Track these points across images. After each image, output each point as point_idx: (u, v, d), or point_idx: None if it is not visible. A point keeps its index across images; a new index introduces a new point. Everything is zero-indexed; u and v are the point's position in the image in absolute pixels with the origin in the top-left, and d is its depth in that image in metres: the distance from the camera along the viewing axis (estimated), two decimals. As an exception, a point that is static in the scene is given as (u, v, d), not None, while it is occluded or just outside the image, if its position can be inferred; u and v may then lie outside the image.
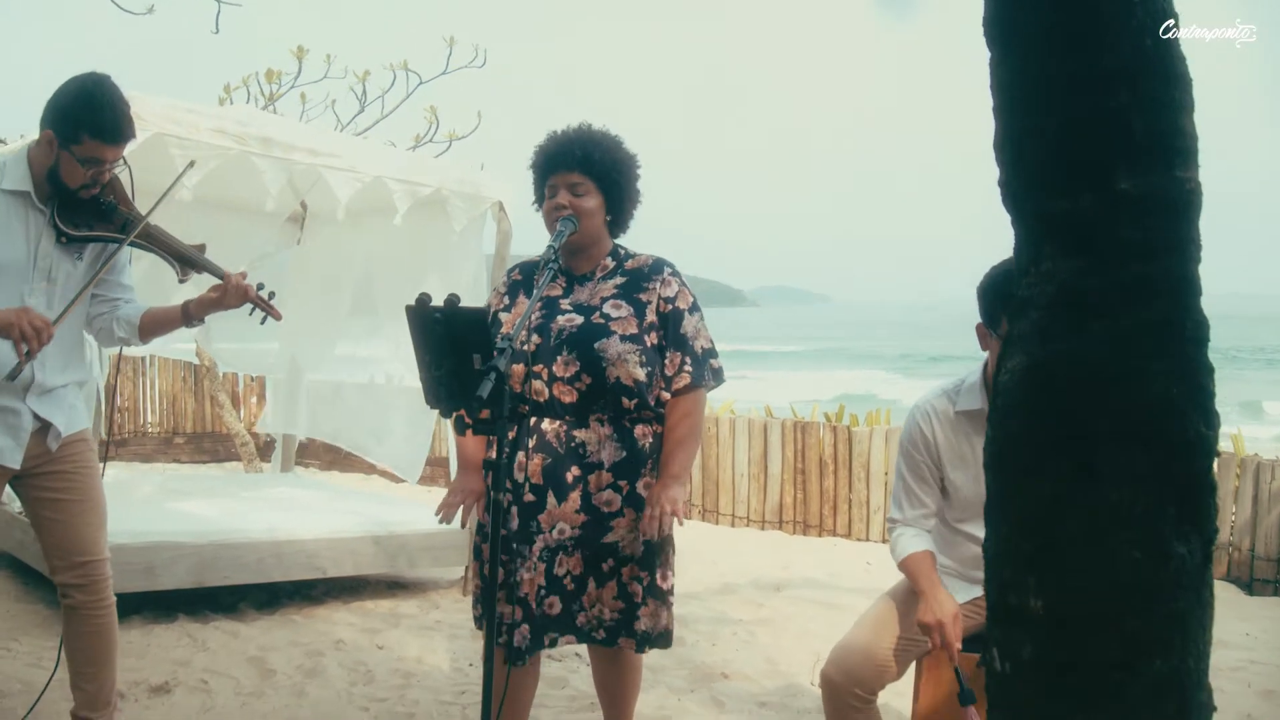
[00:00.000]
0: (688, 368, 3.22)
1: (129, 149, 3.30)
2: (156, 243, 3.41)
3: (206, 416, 12.39)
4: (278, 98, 10.30)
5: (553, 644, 3.19)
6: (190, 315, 3.38)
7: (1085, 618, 1.77)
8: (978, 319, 3.09)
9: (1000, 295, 2.94)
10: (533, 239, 4.02)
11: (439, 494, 6.66)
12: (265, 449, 10.02)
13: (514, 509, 3.14)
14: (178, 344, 10.49)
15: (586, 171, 3.21)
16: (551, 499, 3.14)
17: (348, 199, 5.50)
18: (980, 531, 3.18)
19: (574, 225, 3.16)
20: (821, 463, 8.80)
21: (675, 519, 3.11)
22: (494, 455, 2.68)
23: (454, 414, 2.81)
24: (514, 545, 3.14)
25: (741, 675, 4.86)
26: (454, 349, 2.66)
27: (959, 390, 3.22)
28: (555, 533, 3.14)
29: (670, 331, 3.23)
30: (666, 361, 3.22)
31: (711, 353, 3.30)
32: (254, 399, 12.40)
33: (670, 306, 3.24)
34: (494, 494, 2.66)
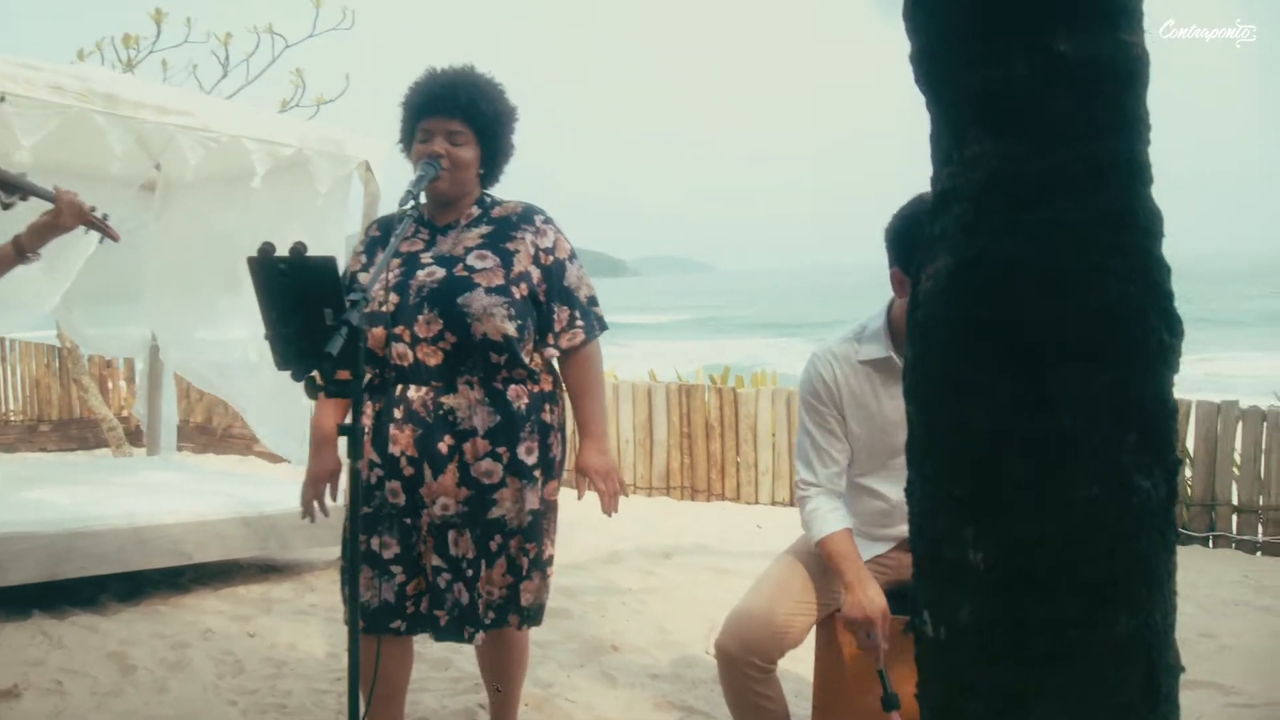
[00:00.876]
0: (579, 323, 3.06)
1: None
2: None
3: (73, 403, 11.84)
4: (136, 64, 9.83)
5: (470, 638, 2.99)
6: (24, 247, 3.07)
7: (1035, 570, 1.50)
8: (884, 270, 2.89)
9: (915, 234, 2.72)
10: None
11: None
12: (136, 434, 9.57)
13: (397, 484, 2.94)
14: (39, 330, 9.98)
15: (469, 121, 2.98)
16: (428, 472, 2.93)
17: (198, 161, 5.16)
18: (883, 486, 3.07)
19: (435, 169, 2.93)
20: (708, 426, 8.69)
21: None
22: (351, 420, 2.46)
23: (306, 376, 2.56)
24: (406, 521, 2.95)
25: (633, 647, 4.70)
26: (303, 304, 2.42)
27: (860, 337, 3.03)
28: (439, 508, 2.93)
29: (554, 285, 3.04)
30: (554, 318, 3.03)
31: (594, 300, 3.14)
32: (124, 383, 11.90)
33: (551, 259, 3.04)
34: (351, 460, 2.45)
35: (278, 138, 5.46)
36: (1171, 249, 1.54)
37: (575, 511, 7.04)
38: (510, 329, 2.92)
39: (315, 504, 3.07)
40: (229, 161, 5.54)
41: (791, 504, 8.22)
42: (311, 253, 2.41)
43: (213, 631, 4.79)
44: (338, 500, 3.10)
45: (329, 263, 2.43)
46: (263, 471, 8.94)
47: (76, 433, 11.93)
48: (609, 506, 3.08)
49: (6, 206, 3.13)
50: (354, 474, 2.45)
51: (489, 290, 2.91)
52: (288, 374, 2.48)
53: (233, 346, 6.86)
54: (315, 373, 2.51)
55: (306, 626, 4.90)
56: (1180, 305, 1.53)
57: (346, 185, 5.95)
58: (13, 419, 11.86)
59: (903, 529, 3.05)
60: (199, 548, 5.36)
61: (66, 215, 3.02)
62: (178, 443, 10.70)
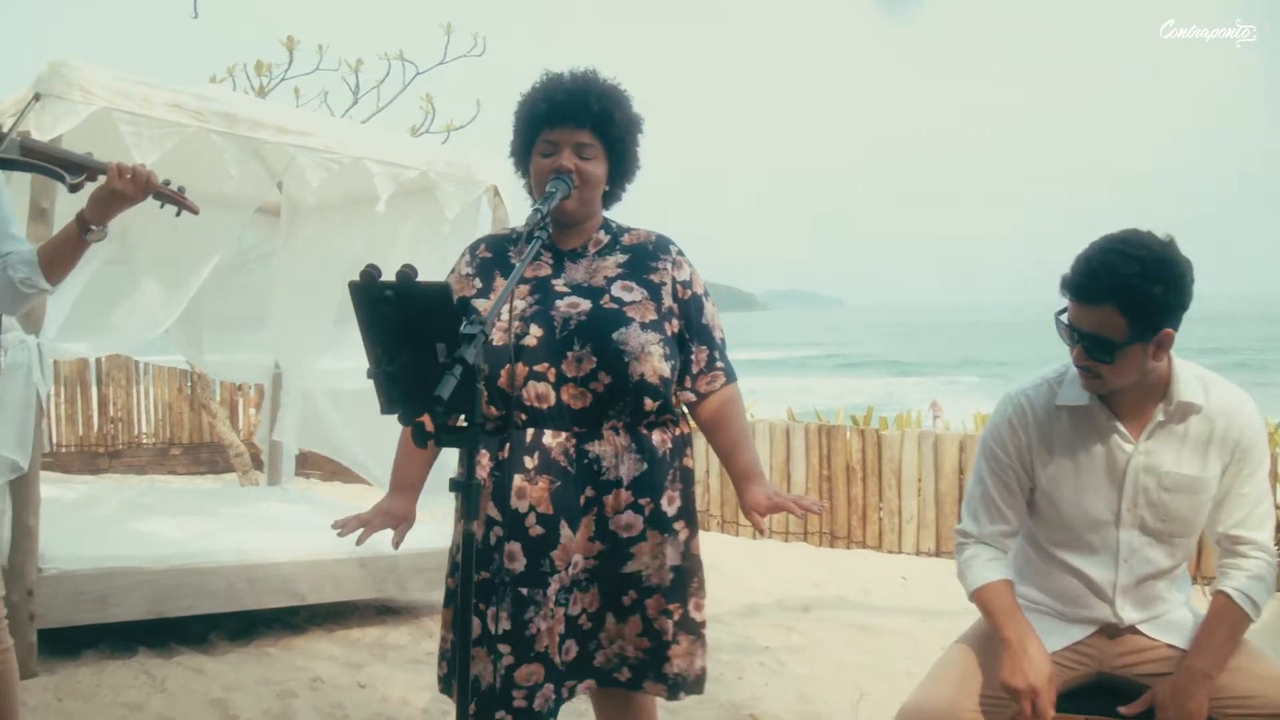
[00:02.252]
0: (719, 364, 2.71)
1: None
2: (35, 154, 2.79)
3: (203, 426, 11.88)
4: (268, 91, 9.78)
5: (570, 694, 2.60)
6: (86, 221, 2.75)
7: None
8: (1019, 310, 2.46)
9: (1182, 280, 2.38)
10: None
11: (444, 509, 6.08)
12: (262, 460, 9.47)
13: (517, 545, 2.55)
14: (172, 354, 9.96)
15: (600, 132, 2.62)
16: (565, 530, 2.54)
17: (320, 183, 4.91)
18: (1081, 561, 2.58)
19: (568, 186, 2.57)
20: (849, 469, 8.20)
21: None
22: (465, 474, 2.10)
23: (416, 420, 2.20)
24: (523, 591, 2.54)
25: (772, 716, 4.27)
26: (412, 337, 2.07)
27: (1062, 379, 2.60)
28: (571, 569, 2.55)
29: (692, 322, 2.67)
30: (692, 358, 2.67)
31: (725, 343, 2.77)
32: (253, 409, 11.90)
33: (689, 293, 2.68)
34: (464, 524, 2.08)
35: (402, 160, 5.19)
36: None
37: (711, 560, 6.63)
38: (666, 369, 2.57)
39: (358, 529, 2.66)
40: (352, 184, 5.30)
41: (939, 554, 7.72)
42: (426, 278, 2.08)
43: (321, 680, 4.49)
44: (397, 549, 2.75)
45: (442, 290, 2.08)
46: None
47: (206, 456, 11.97)
48: (810, 507, 2.54)
49: (74, 188, 2.85)
50: (468, 537, 2.08)
51: (644, 326, 2.56)
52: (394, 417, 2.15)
53: (352, 375, 6.63)
54: (425, 417, 2.18)
55: (420, 677, 4.57)
56: None
57: (475, 210, 5.68)
58: (144, 441, 11.95)
59: (1104, 611, 2.62)
60: (312, 588, 5.10)
61: (122, 181, 2.71)
62: (304, 470, 10.64)
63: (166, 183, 2.84)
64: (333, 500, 7.24)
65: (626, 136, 2.67)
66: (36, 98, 2.93)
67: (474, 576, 2.58)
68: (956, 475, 7.74)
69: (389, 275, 2.07)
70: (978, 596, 2.60)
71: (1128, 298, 2.34)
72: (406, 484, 2.75)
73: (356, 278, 2.07)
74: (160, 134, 4.40)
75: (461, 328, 2.04)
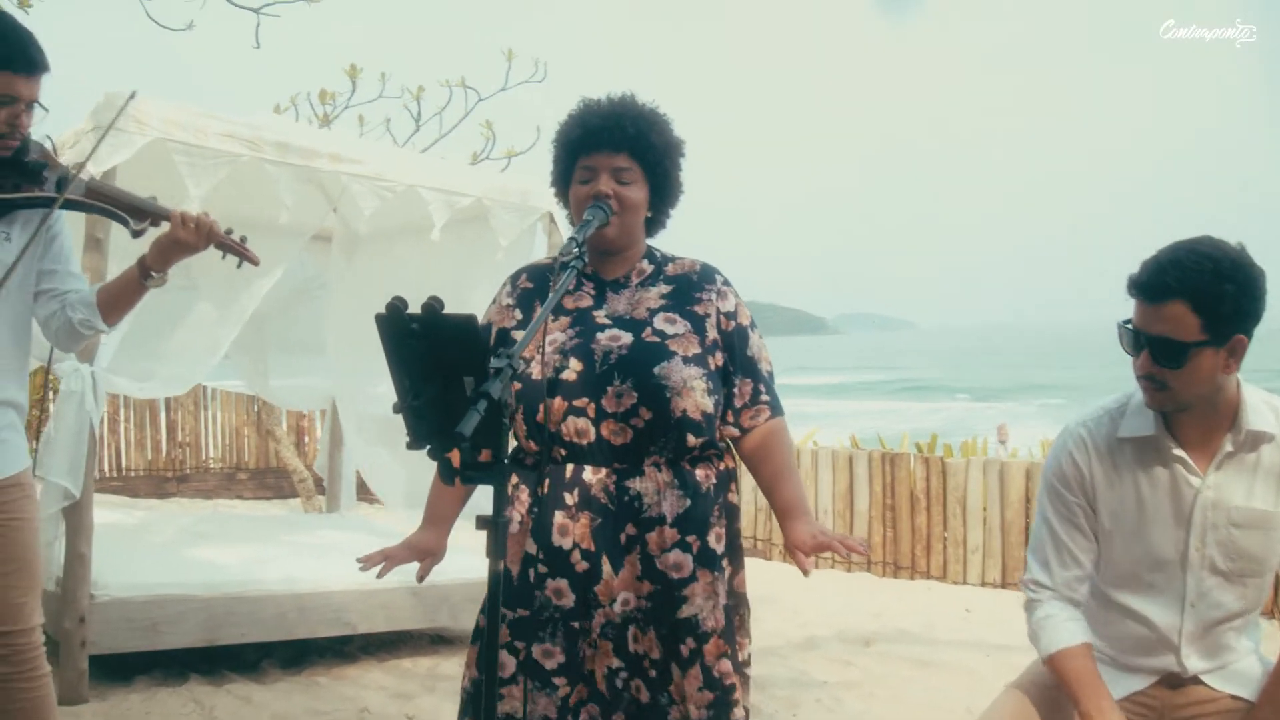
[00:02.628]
0: (764, 397, 2.61)
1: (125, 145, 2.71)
2: (102, 197, 2.80)
3: (269, 452, 11.98)
4: (332, 119, 9.88)
5: None
6: (147, 268, 2.77)
7: None
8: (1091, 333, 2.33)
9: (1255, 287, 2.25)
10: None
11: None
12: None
13: (564, 582, 2.49)
14: (238, 380, 10.05)
15: (638, 156, 2.55)
16: (607, 567, 2.47)
17: (373, 211, 4.92)
18: (1143, 604, 2.44)
19: (606, 214, 2.52)
20: (913, 498, 8.07)
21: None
22: (495, 511, 2.04)
23: (443, 456, 2.15)
24: (574, 625, 2.49)
25: (826, 755, 4.16)
26: (439, 370, 2.03)
27: (1124, 410, 2.47)
28: (619, 605, 2.48)
29: (736, 355, 2.59)
30: (735, 391, 2.59)
31: (773, 375, 2.68)
32: (318, 435, 12.00)
33: (733, 324, 2.60)
34: (491, 563, 2.02)
35: (456, 187, 5.18)
36: None
37: (770, 590, 6.52)
38: (709, 405, 2.49)
39: (381, 563, 2.62)
40: (406, 212, 5.30)
41: (1004, 585, 7.55)
42: (480, 306, 2.04)
43: (369, 712, 4.46)
44: (420, 583, 2.71)
45: (468, 322, 2.03)
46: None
47: (272, 482, 12.06)
48: (855, 547, 2.45)
49: (136, 234, 2.85)
50: (494, 577, 2.03)
51: (687, 360, 2.49)
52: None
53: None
54: (453, 453, 2.13)
55: (470, 711, 4.52)
56: None
57: (530, 237, 5.66)
58: (212, 466, 12.08)
59: (1168, 660, 2.46)
60: (363, 618, 5.07)
61: (185, 231, 2.72)
62: (366, 496, 10.67)
63: (229, 231, 2.84)
64: (389, 528, 7.21)
65: (665, 159, 2.61)
66: (101, 130, 2.94)
67: (511, 613, 2.54)
68: (1023, 504, 7.58)
69: (425, 307, 2.04)
70: (1054, 662, 2.44)
71: (1199, 293, 2.21)
72: (437, 518, 2.70)
73: (382, 310, 2.03)
74: (214, 164, 4.43)
75: (491, 361, 2.00)
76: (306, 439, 12.18)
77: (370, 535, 6.38)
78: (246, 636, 4.81)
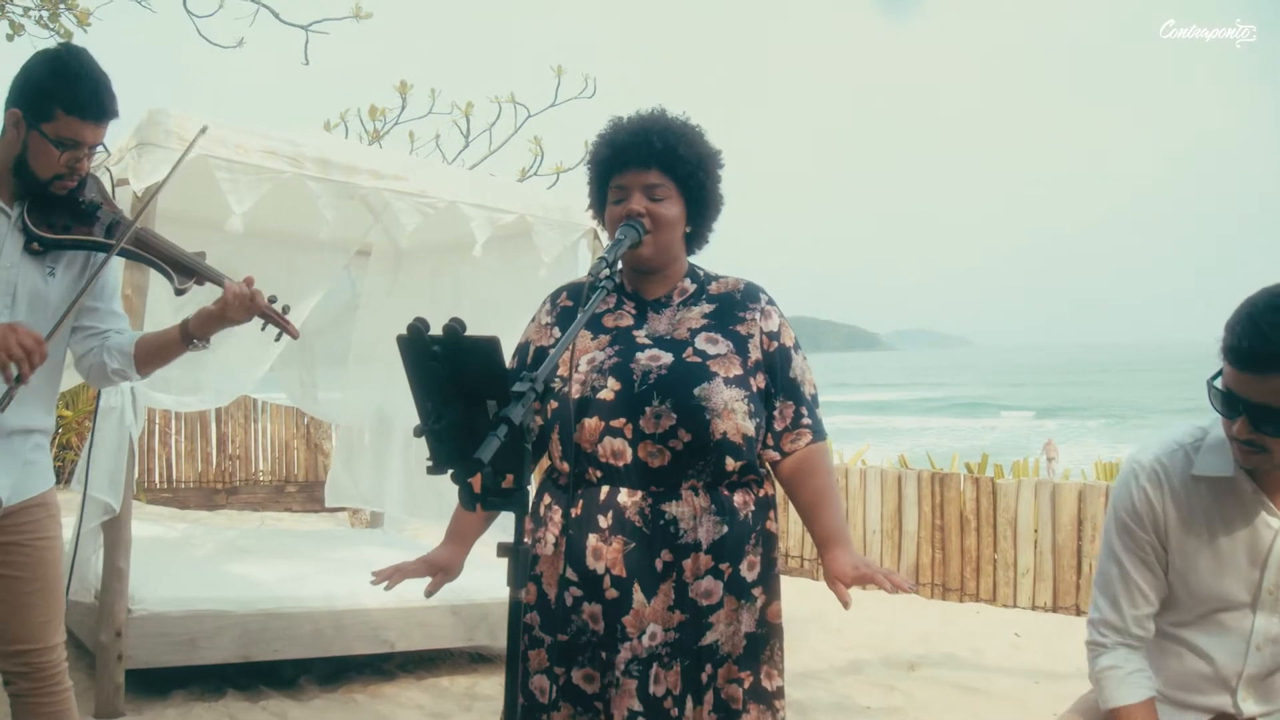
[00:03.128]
0: (805, 421, 2.54)
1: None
2: (150, 249, 2.79)
3: (318, 465, 12.03)
4: (382, 135, 9.93)
5: None
6: (190, 334, 2.77)
7: None
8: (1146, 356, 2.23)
9: None
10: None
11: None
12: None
13: (599, 608, 2.43)
14: (280, 393, 10.10)
15: (668, 170, 2.49)
16: (639, 594, 2.40)
17: (415, 227, 4.90)
18: (1207, 642, 2.34)
19: (639, 232, 2.46)
20: (962, 519, 7.94)
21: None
22: (516, 539, 1.99)
23: (465, 481, 2.10)
24: (602, 654, 2.43)
25: (866, 785, 4.07)
26: (461, 393, 1.98)
27: (1199, 446, 2.35)
28: (646, 638, 2.41)
29: (779, 375, 2.53)
30: (776, 414, 2.52)
31: (817, 398, 2.61)
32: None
33: (776, 345, 2.53)
34: (511, 592, 1.97)
35: (499, 204, 5.16)
36: None
37: (815, 611, 6.40)
38: (750, 428, 2.43)
39: (395, 575, 2.61)
40: (448, 228, 5.28)
41: (1055, 609, 7.41)
42: (522, 322, 1.99)
43: (406, 732, 4.43)
44: (427, 598, 2.67)
45: (491, 345, 1.98)
46: (484, 550, 8.66)
47: (321, 495, 12.06)
48: (901, 585, 2.35)
49: (180, 291, 2.84)
50: (515, 606, 1.98)
51: (728, 382, 2.42)
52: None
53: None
54: (474, 477, 2.08)
55: (506, 732, 4.47)
56: None
57: (574, 254, 5.63)
58: (262, 479, 12.13)
59: (1222, 701, 2.37)
60: (401, 636, 5.04)
61: (234, 308, 2.72)
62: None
63: (272, 300, 2.82)
64: (432, 544, 7.22)
65: (699, 172, 2.53)
66: (203, 130, 2.96)
67: (549, 638, 2.49)
68: (1074, 527, 7.44)
69: (446, 329, 2.00)
70: (1116, 718, 2.36)
71: None
72: (457, 535, 2.67)
73: (404, 331, 1.99)
74: (255, 180, 4.43)
75: (514, 385, 1.95)
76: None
77: (412, 551, 6.37)
78: (282, 653, 4.79)
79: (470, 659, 5.59)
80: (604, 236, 5.80)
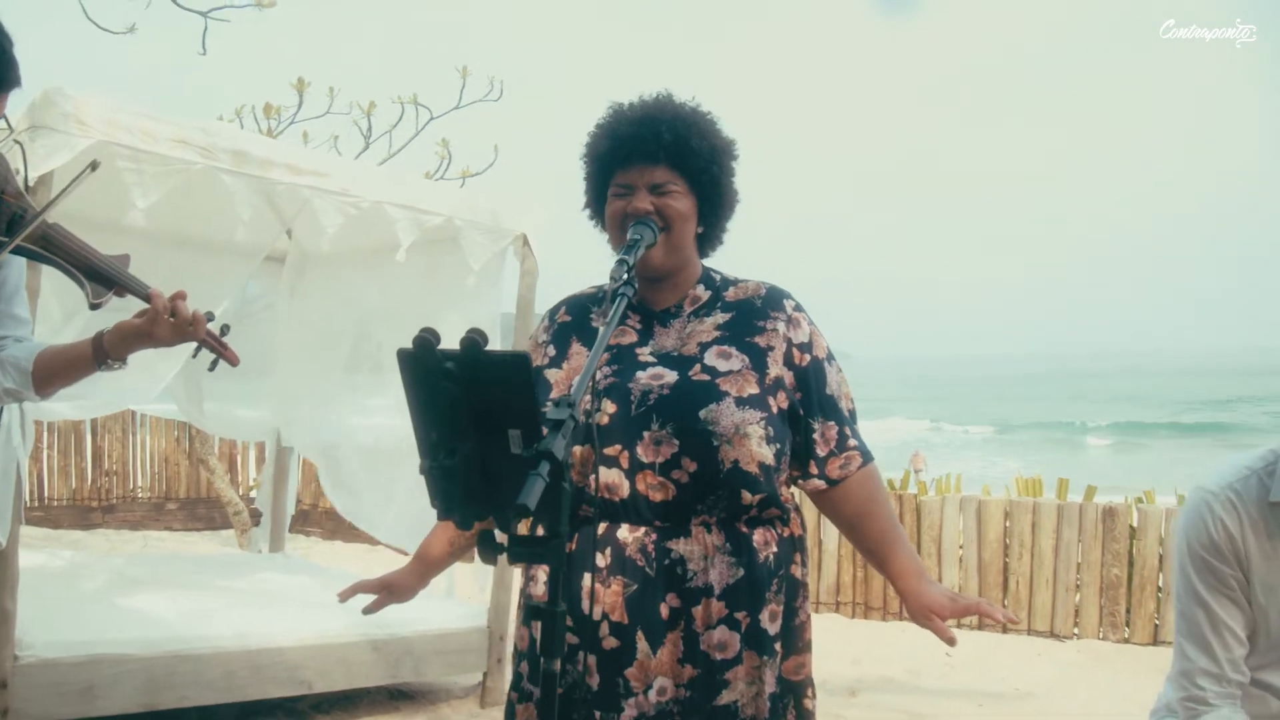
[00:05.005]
0: (851, 442, 2.22)
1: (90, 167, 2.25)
2: (59, 250, 2.28)
3: (201, 481, 11.39)
4: (277, 134, 9.41)
5: None
6: (105, 352, 2.29)
7: None
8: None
9: None
10: (561, 280, 3.02)
11: (461, 579, 5.60)
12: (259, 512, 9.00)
13: (594, 659, 2.09)
14: (169, 404, 9.52)
15: (678, 165, 2.17)
16: (643, 644, 2.07)
17: (336, 229, 4.47)
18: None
19: (654, 233, 2.13)
20: (885, 536, 7.74)
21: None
22: (552, 598, 1.65)
23: (477, 525, 1.74)
24: (597, 714, 2.08)
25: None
26: (479, 422, 1.63)
27: (1273, 471, 2.14)
28: (654, 694, 2.07)
29: (813, 393, 2.19)
30: (817, 437, 2.19)
31: (855, 414, 2.30)
32: (253, 465, 11.45)
33: (808, 358, 2.21)
34: (545, 663, 1.63)
35: (425, 205, 4.76)
36: None
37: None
38: (768, 455, 2.09)
39: (354, 593, 2.40)
40: (370, 231, 4.85)
41: (981, 627, 7.24)
42: (447, 338, 1.63)
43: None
44: (365, 614, 2.44)
45: (519, 362, 1.64)
46: (393, 567, 8.21)
47: (204, 513, 11.48)
48: (1011, 618, 2.15)
49: (95, 305, 2.35)
50: (549, 677, 1.63)
51: (740, 402, 2.08)
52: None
53: (362, 432, 6.13)
54: (490, 521, 1.72)
55: (439, 779, 4.09)
56: None
57: (501, 261, 5.24)
58: (140, 496, 11.45)
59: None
60: (320, 675, 4.60)
61: (163, 327, 2.25)
62: (304, 527, 10.17)
63: (209, 316, 2.36)
64: (337, 570, 6.77)
65: (713, 166, 2.21)
66: (93, 167, 2.45)
67: (537, 690, 2.15)
68: (1000, 544, 7.32)
69: (447, 341, 1.64)
70: None
71: None
72: (424, 558, 2.41)
73: (408, 344, 1.64)
74: (163, 172, 3.97)
75: (547, 412, 1.61)
76: (239, 468, 11.61)
77: (317, 579, 5.93)
78: (191, 700, 4.30)
79: (390, 696, 5.18)
80: (535, 239, 5.45)
